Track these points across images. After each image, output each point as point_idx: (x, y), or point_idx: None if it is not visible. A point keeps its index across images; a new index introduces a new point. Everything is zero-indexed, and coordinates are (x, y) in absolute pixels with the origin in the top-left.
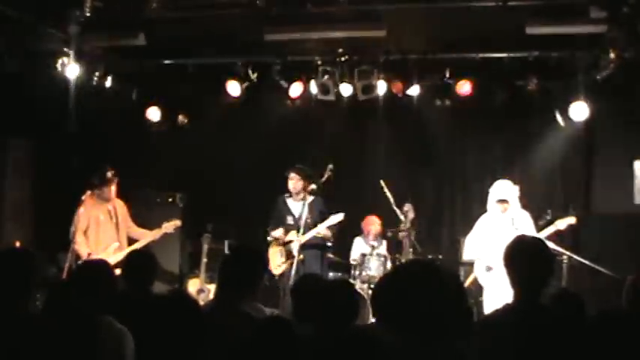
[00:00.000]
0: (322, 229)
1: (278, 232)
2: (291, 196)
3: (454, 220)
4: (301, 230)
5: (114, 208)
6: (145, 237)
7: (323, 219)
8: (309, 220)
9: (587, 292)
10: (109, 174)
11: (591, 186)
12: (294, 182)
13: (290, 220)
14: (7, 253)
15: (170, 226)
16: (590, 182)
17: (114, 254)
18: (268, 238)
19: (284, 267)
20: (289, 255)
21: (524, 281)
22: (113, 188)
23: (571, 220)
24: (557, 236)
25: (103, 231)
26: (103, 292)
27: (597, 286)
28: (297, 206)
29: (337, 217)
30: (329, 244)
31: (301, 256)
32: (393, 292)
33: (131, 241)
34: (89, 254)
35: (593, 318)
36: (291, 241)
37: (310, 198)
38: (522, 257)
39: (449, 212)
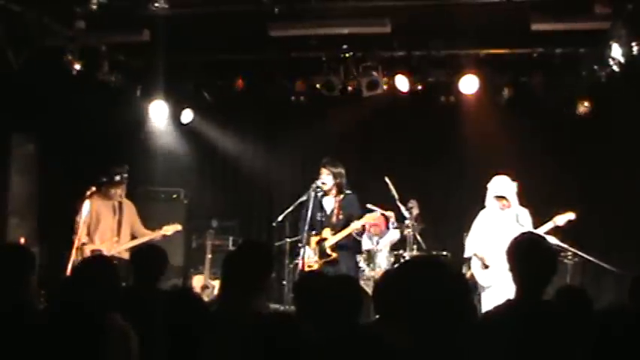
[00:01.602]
0: (359, 224)
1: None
2: (322, 190)
3: (459, 216)
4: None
5: (119, 205)
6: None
7: (349, 221)
8: (340, 217)
9: (593, 288)
10: (118, 177)
11: (595, 181)
12: (324, 178)
13: (319, 217)
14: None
15: (170, 229)
16: (594, 178)
17: (112, 248)
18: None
19: (316, 266)
20: (323, 254)
21: (527, 278)
22: (119, 190)
23: (570, 215)
24: (562, 233)
25: (104, 226)
26: (105, 287)
27: (603, 282)
28: (329, 202)
29: (373, 215)
30: (358, 238)
31: (335, 254)
32: (395, 290)
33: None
34: (83, 245)
35: (598, 314)
36: (325, 239)
37: (341, 195)
38: (525, 254)
39: (454, 208)
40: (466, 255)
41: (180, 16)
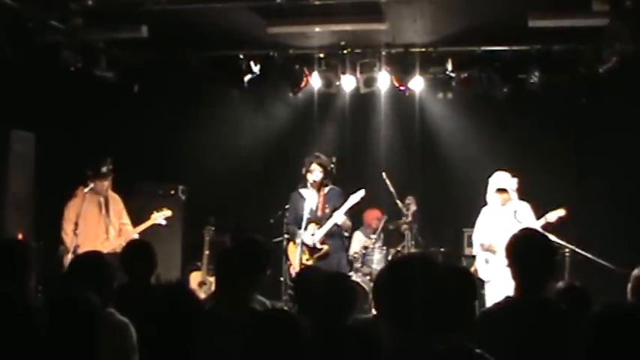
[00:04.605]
0: (341, 216)
1: (301, 236)
2: (306, 186)
3: (456, 212)
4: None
5: (106, 200)
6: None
7: (334, 213)
8: (327, 211)
9: (591, 286)
10: (104, 168)
11: (594, 178)
12: (316, 173)
13: (307, 213)
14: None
15: (160, 216)
16: (594, 174)
17: (101, 246)
18: (286, 236)
19: (309, 263)
20: (313, 250)
21: (526, 275)
22: (106, 183)
23: (560, 212)
24: (560, 229)
25: (92, 223)
26: (101, 284)
27: (601, 280)
28: (314, 197)
29: (357, 196)
30: (346, 234)
31: (325, 247)
32: (390, 286)
33: None
34: (76, 247)
35: (597, 311)
36: (312, 235)
37: (326, 189)
38: (524, 251)
39: (451, 205)
40: (474, 252)
41: (178, 12)
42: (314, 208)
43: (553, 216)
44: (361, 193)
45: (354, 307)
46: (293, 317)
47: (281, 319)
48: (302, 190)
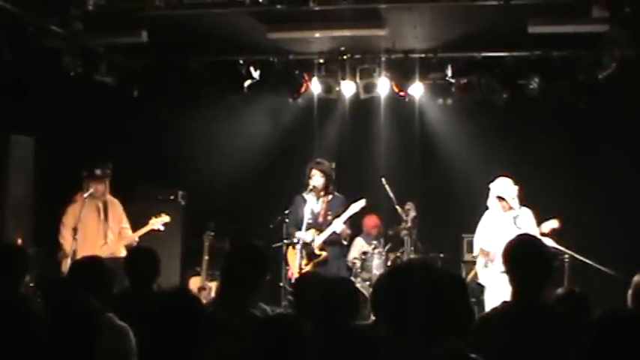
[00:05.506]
0: (340, 224)
1: (299, 234)
2: (310, 192)
3: (456, 218)
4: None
5: (104, 205)
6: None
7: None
8: (329, 218)
9: (590, 292)
10: (98, 171)
11: (593, 184)
12: (316, 179)
13: (309, 219)
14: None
15: (158, 221)
16: (592, 180)
17: (99, 251)
18: (285, 241)
19: (307, 269)
20: (311, 256)
21: (523, 280)
22: (102, 186)
23: (554, 223)
24: (559, 235)
25: (91, 228)
26: (101, 288)
27: (600, 286)
28: (314, 203)
29: (358, 205)
30: (344, 242)
31: (324, 253)
32: (390, 292)
33: None
34: (74, 251)
35: (597, 317)
36: (312, 241)
37: (330, 196)
38: (520, 257)
39: (450, 211)
40: (474, 254)
41: (178, 17)
42: (315, 214)
43: (546, 227)
44: (361, 202)
45: (357, 311)
46: (297, 321)
47: (285, 323)
48: (305, 195)
